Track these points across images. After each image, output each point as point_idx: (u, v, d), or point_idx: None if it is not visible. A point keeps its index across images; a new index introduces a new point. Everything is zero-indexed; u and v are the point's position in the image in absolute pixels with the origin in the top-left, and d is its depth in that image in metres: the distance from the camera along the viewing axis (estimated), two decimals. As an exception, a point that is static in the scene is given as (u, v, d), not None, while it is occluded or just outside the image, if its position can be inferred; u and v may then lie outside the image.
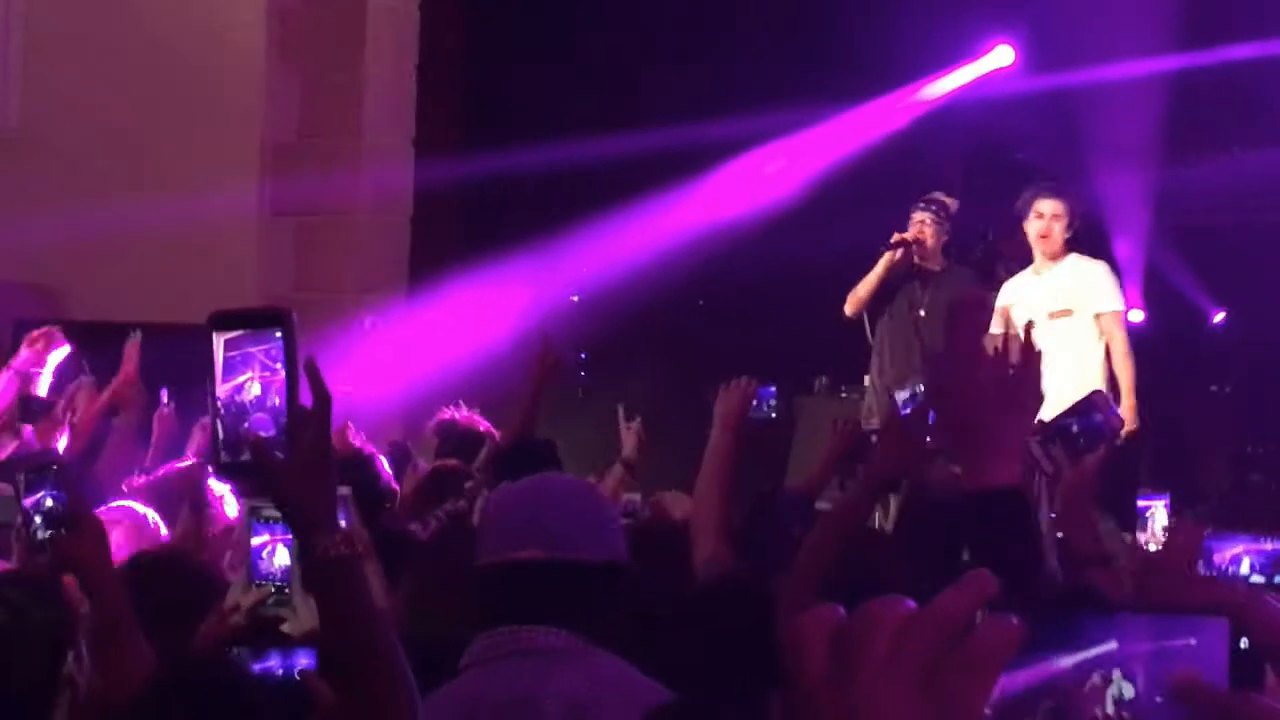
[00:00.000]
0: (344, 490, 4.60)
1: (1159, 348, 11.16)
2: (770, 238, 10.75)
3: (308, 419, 2.48)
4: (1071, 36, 11.38)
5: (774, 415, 5.28)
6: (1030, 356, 2.59)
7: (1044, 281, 8.83)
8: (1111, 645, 1.35)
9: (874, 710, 1.09)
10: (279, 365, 2.50)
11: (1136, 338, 11.25)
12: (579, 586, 3.18)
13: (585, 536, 3.22)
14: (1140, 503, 5.51)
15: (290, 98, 10.37)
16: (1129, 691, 1.38)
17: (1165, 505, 5.55)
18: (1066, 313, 8.62)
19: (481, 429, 7.11)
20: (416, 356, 9.63)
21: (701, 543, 4.24)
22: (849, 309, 9.20)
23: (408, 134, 10.64)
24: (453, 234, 11.08)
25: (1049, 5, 11.42)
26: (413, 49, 10.63)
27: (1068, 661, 1.35)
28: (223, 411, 2.54)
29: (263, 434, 2.47)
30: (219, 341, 2.54)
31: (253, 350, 2.53)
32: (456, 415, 7.27)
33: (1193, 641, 1.34)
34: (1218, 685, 1.24)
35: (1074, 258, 8.85)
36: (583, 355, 11.40)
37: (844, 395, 10.36)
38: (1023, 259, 10.28)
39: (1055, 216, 8.67)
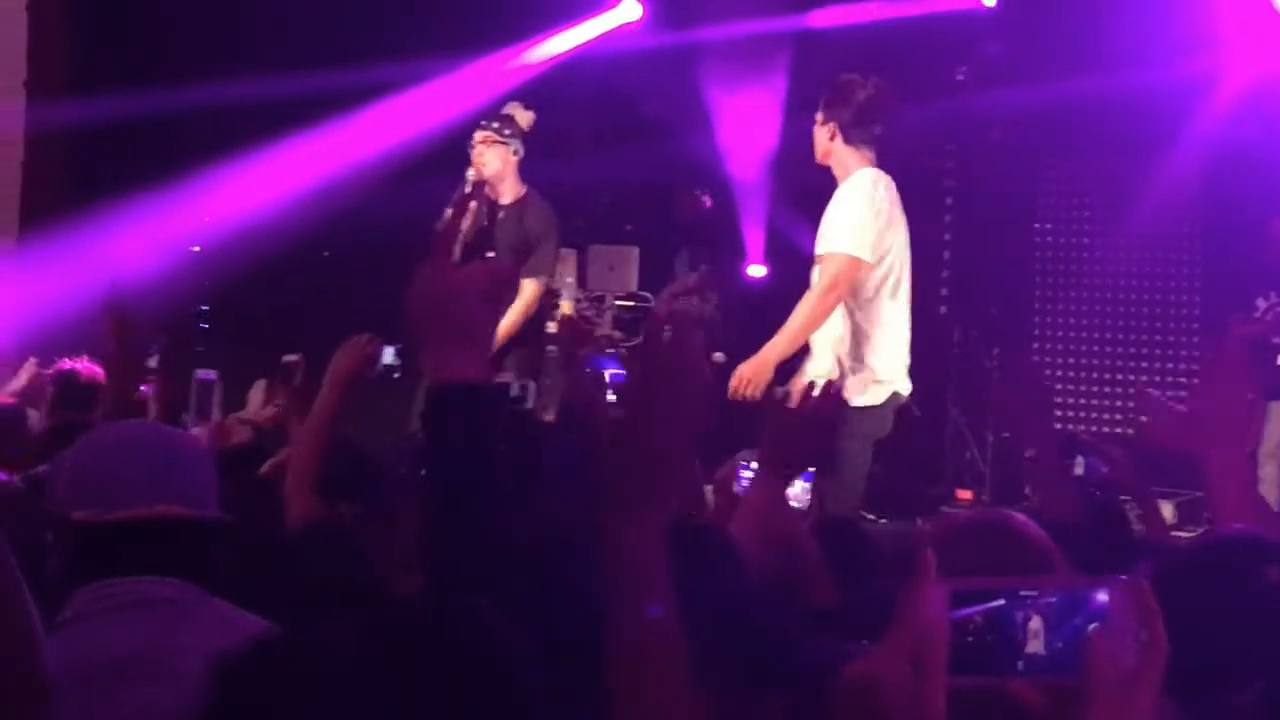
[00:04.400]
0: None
1: (782, 303, 11.41)
2: (398, 189, 10.61)
3: None
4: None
5: (396, 375, 5.22)
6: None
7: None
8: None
9: None
10: None
11: (759, 293, 11.54)
12: (202, 540, 3.08)
13: (202, 490, 3.11)
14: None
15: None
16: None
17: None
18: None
19: (101, 380, 6.85)
20: (27, 303, 9.23)
21: (295, 497, 4.18)
22: None
23: (19, 75, 10.21)
24: (67, 179, 10.65)
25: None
26: (22, -13, 10.20)
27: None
28: None
29: None
30: None
31: None
32: (78, 365, 6.94)
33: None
34: None
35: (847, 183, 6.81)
36: (204, 308, 11.08)
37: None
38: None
39: (817, 123, 6.91)
